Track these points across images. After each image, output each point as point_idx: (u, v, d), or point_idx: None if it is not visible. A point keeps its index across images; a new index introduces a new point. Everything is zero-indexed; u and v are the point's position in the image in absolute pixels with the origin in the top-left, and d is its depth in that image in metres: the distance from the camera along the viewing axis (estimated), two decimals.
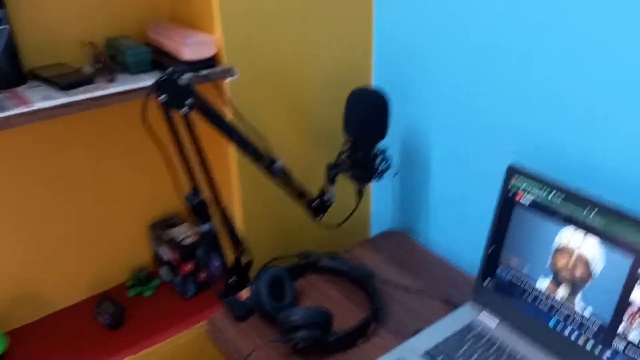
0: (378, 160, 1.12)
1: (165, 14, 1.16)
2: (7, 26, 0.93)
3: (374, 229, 1.47)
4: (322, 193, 1.14)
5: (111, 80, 0.99)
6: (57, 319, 1.23)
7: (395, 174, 1.33)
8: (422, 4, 1.12)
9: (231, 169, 1.12)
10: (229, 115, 1.05)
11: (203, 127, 0.95)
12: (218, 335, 1.02)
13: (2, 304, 1.16)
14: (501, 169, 0.97)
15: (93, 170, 1.19)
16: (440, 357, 0.90)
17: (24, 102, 0.89)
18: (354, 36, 1.22)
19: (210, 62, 1.03)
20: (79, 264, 1.25)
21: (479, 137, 1.10)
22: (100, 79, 0.99)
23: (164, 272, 1.31)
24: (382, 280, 1.14)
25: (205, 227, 0.99)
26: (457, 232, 1.22)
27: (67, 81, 0.95)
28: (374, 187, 1.43)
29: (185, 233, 1.26)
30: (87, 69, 1.03)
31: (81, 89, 0.95)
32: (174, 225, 1.30)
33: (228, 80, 1.05)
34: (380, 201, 1.41)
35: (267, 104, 1.14)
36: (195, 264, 1.25)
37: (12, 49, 0.95)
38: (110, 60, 1.04)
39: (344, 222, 1.20)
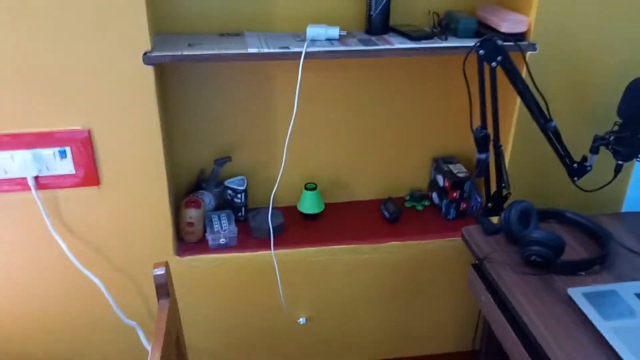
0: None
1: None
2: None
3: (626, 209, 1.60)
4: (584, 159, 1.37)
5: (445, 39, 1.39)
6: (356, 205, 1.72)
7: None
8: None
9: (512, 121, 1.44)
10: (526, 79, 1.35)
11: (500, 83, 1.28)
12: (470, 238, 1.36)
13: (326, 183, 1.70)
14: None
15: (402, 110, 1.63)
16: None
17: (388, 43, 1.35)
18: None
19: (520, 37, 1.36)
20: (378, 173, 1.72)
21: None
22: (438, 37, 1.40)
23: (434, 196, 1.70)
24: (618, 243, 1.32)
25: (482, 156, 1.33)
26: None
27: (416, 35, 1.38)
28: (635, 172, 1.56)
29: (460, 169, 1.62)
30: (429, 30, 1.46)
31: (424, 41, 1.38)
32: (452, 162, 1.67)
33: (529, 53, 1.36)
34: (638, 185, 1.54)
35: (555, 77, 1.41)
36: (461, 193, 1.60)
37: (386, 10, 1.42)
38: (446, 26, 1.44)
39: (597, 189, 1.40)
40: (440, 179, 1.65)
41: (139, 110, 1.29)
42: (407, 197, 1.73)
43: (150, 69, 1.25)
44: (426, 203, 1.71)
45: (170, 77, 1.47)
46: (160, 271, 1.01)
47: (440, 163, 1.67)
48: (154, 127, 1.31)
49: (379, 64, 1.56)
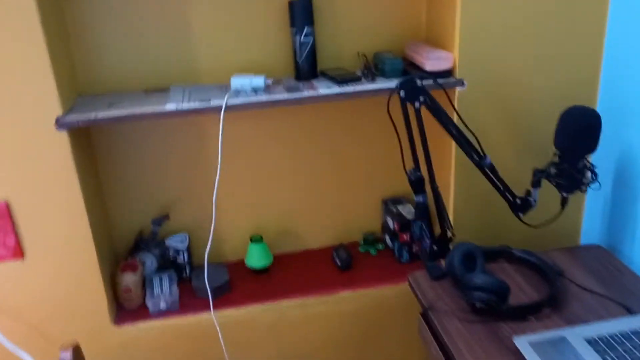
0: (584, 173, 1.24)
1: (422, 36, 1.48)
2: (312, 38, 1.38)
3: (583, 242, 1.54)
4: (528, 194, 1.31)
5: (372, 80, 1.35)
6: (307, 255, 1.66)
7: (598, 188, 1.39)
8: None
9: (451, 160, 1.39)
10: (454, 117, 1.31)
11: (432, 124, 1.24)
12: (415, 285, 1.29)
13: (273, 234, 1.64)
14: None
15: (347, 153, 1.59)
16: (601, 347, 1.01)
17: (314, 89, 1.32)
18: (582, 58, 1.35)
19: (447, 74, 1.32)
20: (328, 219, 1.66)
21: None
22: (365, 79, 1.37)
23: (387, 238, 1.64)
24: (569, 280, 1.25)
25: (419, 198, 1.27)
26: None
27: (343, 79, 1.35)
28: (587, 203, 1.50)
29: (409, 210, 1.56)
30: (358, 72, 1.42)
31: (350, 84, 1.34)
32: (401, 202, 1.61)
33: (458, 89, 1.32)
34: (592, 217, 1.48)
35: (488, 112, 1.36)
36: (411, 236, 1.54)
37: (313, 54, 1.40)
38: (375, 67, 1.41)
39: (543, 224, 1.34)
40: (390, 222, 1.59)
41: (57, 178, 1.24)
42: (361, 242, 1.67)
43: (64, 135, 1.21)
44: (380, 246, 1.65)
45: (99, 138, 1.44)
46: (65, 354, 0.95)
47: (389, 205, 1.61)
48: (74, 193, 1.26)
49: (319, 107, 1.52)
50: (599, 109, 1.40)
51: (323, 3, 1.41)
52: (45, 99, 1.18)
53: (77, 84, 1.37)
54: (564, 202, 1.30)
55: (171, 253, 1.52)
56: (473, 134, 1.24)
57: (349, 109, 1.54)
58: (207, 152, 1.50)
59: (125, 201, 1.51)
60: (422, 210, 1.29)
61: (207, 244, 1.57)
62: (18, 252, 1.28)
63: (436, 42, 1.41)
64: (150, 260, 1.51)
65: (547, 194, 1.30)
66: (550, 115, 1.39)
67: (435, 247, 1.34)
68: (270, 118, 1.51)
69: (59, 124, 1.19)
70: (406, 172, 1.27)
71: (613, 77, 1.35)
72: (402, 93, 1.19)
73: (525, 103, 1.37)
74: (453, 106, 1.24)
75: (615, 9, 1.31)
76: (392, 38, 1.48)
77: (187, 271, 1.54)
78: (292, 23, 1.36)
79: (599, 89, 1.39)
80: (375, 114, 1.55)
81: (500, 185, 1.29)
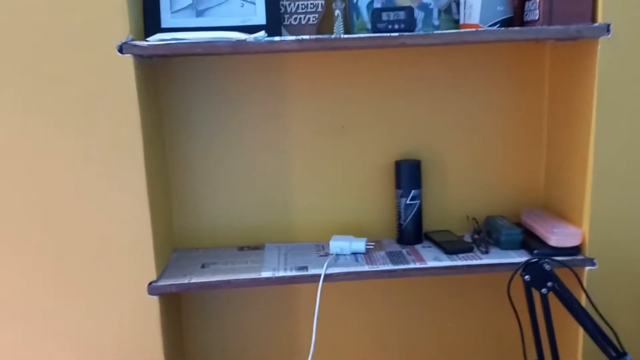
0: None
1: (539, 202, 1.36)
2: (419, 201, 1.29)
3: None
4: None
5: (486, 252, 1.22)
6: None
7: None
8: None
9: (577, 348, 1.19)
10: (582, 300, 1.14)
11: (554, 302, 1.08)
12: None
13: None
14: None
15: (447, 322, 1.43)
16: None
17: (421, 259, 1.20)
18: None
19: (573, 250, 1.17)
20: None
21: None
22: (477, 249, 1.24)
23: None
24: None
25: None
26: None
27: (453, 248, 1.23)
28: None
29: None
30: (468, 239, 1.30)
31: (461, 255, 1.21)
32: None
33: (587, 268, 1.16)
34: None
35: (622, 298, 1.18)
36: None
37: (418, 218, 1.30)
38: (487, 235, 1.28)
39: None
40: None
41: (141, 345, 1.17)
42: None
43: (155, 300, 1.15)
44: None
45: (186, 296, 1.38)
46: None
47: None
48: None
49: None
50: None
51: (431, 163, 1.34)
52: (140, 262, 1.13)
53: (174, 238, 1.34)
54: None
55: None
56: (611, 328, 1.06)
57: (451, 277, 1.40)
58: (294, 319, 1.40)
59: None
60: None
61: None
62: None
63: (559, 211, 1.28)
64: None
65: None
66: None
67: None
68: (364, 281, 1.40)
69: (152, 289, 1.14)
70: None
71: None
72: (526, 277, 1.05)
73: None
74: (586, 293, 1.07)
75: None
76: (506, 201, 1.36)
77: None
78: (398, 185, 1.29)
79: None
80: (481, 282, 1.40)
81: None
